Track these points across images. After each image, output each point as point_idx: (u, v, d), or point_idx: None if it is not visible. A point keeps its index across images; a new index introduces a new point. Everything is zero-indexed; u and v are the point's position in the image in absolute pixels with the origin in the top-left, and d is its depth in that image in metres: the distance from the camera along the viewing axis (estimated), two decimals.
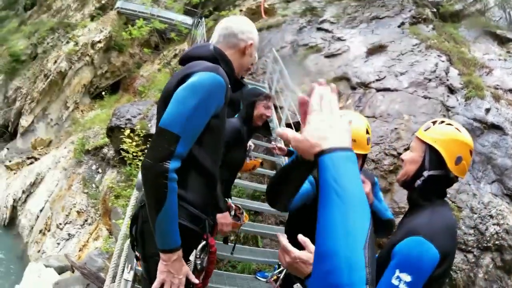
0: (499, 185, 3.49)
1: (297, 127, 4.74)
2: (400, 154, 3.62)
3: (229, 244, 2.77)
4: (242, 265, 3.72)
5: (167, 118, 1.10)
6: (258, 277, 3.14)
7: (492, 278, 3.77)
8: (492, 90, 4.05)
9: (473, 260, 3.22)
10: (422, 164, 1.17)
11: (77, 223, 5.78)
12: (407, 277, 0.96)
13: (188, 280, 1.23)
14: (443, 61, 4.14)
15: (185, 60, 1.30)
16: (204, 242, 1.27)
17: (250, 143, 3.48)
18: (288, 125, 4.60)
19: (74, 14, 11.99)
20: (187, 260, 1.22)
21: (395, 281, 0.97)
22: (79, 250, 4.98)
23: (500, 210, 3.74)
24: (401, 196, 3.28)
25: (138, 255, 1.32)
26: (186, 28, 9.29)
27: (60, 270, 4.47)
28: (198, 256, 1.26)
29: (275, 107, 5.02)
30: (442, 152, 1.12)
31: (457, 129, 1.13)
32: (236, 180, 3.39)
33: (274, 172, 4.17)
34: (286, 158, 3.27)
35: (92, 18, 11.18)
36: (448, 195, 3.47)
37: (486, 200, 3.30)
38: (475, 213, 3.19)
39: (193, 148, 1.16)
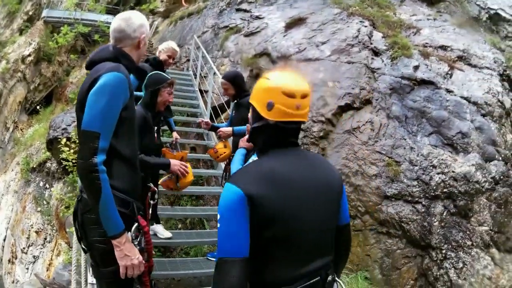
0: (437, 136, 3.64)
1: (222, 108, 4.86)
2: (328, 119, 3.71)
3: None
4: (195, 250, 4.09)
5: (86, 121, 1.30)
6: (209, 258, 3.46)
7: (449, 224, 3.98)
8: (420, 48, 4.38)
9: (422, 210, 3.35)
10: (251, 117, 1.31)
11: (38, 244, 6.26)
12: (218, 216, 1.07)
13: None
14: (365, 26, 4.54)
15: (90, 65, 1.47)
16: (136, 224, 1.41)
17: (176, 135, 3.73)
18: (213, 108, 4.63)
19: (4, 32, 12.74)
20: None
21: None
22: (47, 270, 5.54)
23: (442, 159, 4.17)
24: (335, 159, 3.48)
25: (84, 247, 1.48)
26: (109, 27, 9.20)
27: None
28: (134, 238, 1.39)
29: (201, 92, 5.10)
30: (254, 105, 1.21)
31: (266, 77, 1.20)
32: None
33: (206, 155, 3.96)
34: (214, 133, 3.36)
35: (21, 32, 12.23)
36: (383, 152, 3.67)
37: (425, 151, 3.45)
38: (415, 165, 3.35)
39: (112, 140, 1.33)
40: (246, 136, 2.08)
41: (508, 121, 5.47)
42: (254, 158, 1.49)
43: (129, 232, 1.37)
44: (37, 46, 10.91)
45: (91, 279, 2.16)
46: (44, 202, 6.39)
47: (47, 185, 6.63)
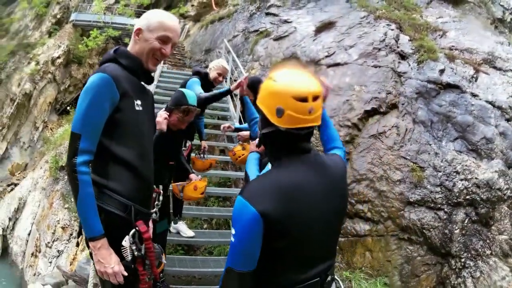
0: (462, 142, 3.59)
1: None
2: (354, 124, 3.68)
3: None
4: (218, 250, 4.13)
5: (72, 122, 1.30)
6: None
7: (470, 232, 3.96)
8: (446, 51, 4.29)
9: (445, 217, 3.33)
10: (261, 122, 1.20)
11: (64, 239, 6.35)
12: (233, 230, 1.06)
13: (134, 269, 1.32)
14: (392, 30, 4.44)
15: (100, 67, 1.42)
16: (134, 230, 1.33)
17: (205, 144, 3.83)
18: (242, 111, 4.61)
19: (33, 33, 13.06)
20: (120, 246, 1.31)
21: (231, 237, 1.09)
22: (70, 264, 5.50)
23: (466, 165, 4.13)
24: (360, 164, 3.41)
25: None
26: None
27: (57, 286, 4.81)
28: (131, 243, 1.32)
29: (231, 95, 5.11)
30: (263, 109, 1.11)
31: (273, 79, 1.08)
32: None
33: None
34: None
35: (50, 34, 12.55)
36: (408, 157, 3.60)
37: (450, 157, 3.41)
38: (439, 171, 3.32)
39: (106, 142, 1.31)
40: (257, 140, 1.97)
41: None
42: (269, 166, 1.39)
43: (127, 236, 1.30)
44: (66, 49, 11.09)
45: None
46: (72, 199, 6.31)
47: None
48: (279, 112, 1.04)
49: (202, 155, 3.54)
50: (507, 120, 4.78)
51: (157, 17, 1.39)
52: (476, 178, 4.12)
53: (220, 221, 4.49)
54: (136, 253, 1.30)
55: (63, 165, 6.88)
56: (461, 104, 4.54)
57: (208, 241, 3.79)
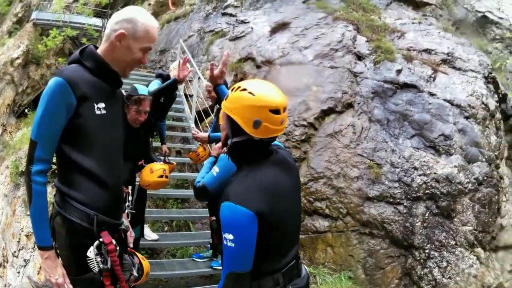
0: (420, 139, 4.10)
1: (206, 112, 5.33)
2: (310, 123, 4.17)
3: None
4: (181, 252, 4.48)
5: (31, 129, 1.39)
6: (195, 259, 3.88)
7: (431, 224, 4.36)
8: (404, 52, 4.86)
9: (405, 211, 3.76)
10: (229, 130, 1.36)
11: (29, 247, 6.49)
12: (229, 236, 1.23)
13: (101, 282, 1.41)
14: (350, 31, 5.05)
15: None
16: (97, 242, 1.40)
17: (165, 149, 4.16)
18: (197, 112, 5.12)
19: None
20: (85, 257, 1.38)
21: (224, 242, 1.26)
22: (38, 273, 5.70)
23: (424, 161, 4.55)
24: (317, 162, 3.90)
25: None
26: (97, 31, 11.46)
27: None
28: (96, 254, 1.39)
29: (186, 96, 5.64)
30: (237, 120, 1.28)
31: (251, 93, 1.26)
32: None
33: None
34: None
35: (10, 34, 13.07)
36: (364, 154, 4.35)
37: (407, 154, 3.89)
38: (397, 168, 3.78)
39: (66, 149, 1.37)
40: (219, 144, 2.22)
41: (492, 123, 5.93)
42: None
43: (91, 247, 1.34)
44: (26, 49, 11.52)
45: None
46: None
47: None
48: (256, 124, 1.23)
49: (164, 159, 3.93)
50: (466, 117, 5.32)
51: (144, 24, 1.40)
52: (435, 173, 4.58)
53: (180, 223, 4.85)
54: (101, 266, 1.35)
55: (23, 170, 7.28)
56: (418, 103, 5.07)
57: (172, 244, 4.17)
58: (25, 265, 6.26)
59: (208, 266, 3.81)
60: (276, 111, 1.24)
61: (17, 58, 11.43)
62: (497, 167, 5.57)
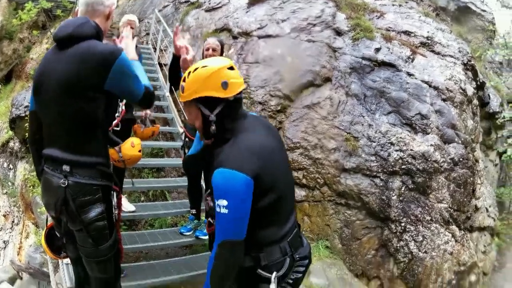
0: (396, 116, 5.49)
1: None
2: (285, 95, 5.47)
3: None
4: (159, 222, 5.57)
5: (141, 87, 2.27)
6: (184, 233, 4.74)
7: (407, 199, 5.71)
8: (383, 32, 6.43)
9: (381, 184, 5.08)
10: (203, 115, 1.84)
11: (7, 228, 7.57)
12: (223, 202, 1.64)
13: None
14: (329, 7, 6.73)
15: (70, 40, 2.09)
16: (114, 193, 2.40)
17: (148, 111, 5.01)
18: None
19: None
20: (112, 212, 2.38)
21: (217, 209, 1.68)
22: (18, 254, 6.64)
23: (401, 137, 5.88)
24: (293, 132, 5.27)
25: (72, 229, 2.31)
26: (71, 3, 13.64)
27: (12, 280, 6.08)
28: (115, 207, 2.42)
29: (160, 65, 7.12)
30: (207, 94, 1.79)
31: (204, 66, 1.81)
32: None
33: (167, 127, 6.97)
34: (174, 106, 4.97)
35: None
36: (342, 127, 6.39)
37: (384, 129, 5.24)
38: (373, 142, 5.11)
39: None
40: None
41: (469, 108, 7.56)
42: None
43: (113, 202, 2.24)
44: (0, 25, 13.25)
45: (66, 260, 3.30)
46: (9, 183, 7.84)
47: (11, 166, 8.11)
48: (225, 85, 1.71)
49: (144, 124, 4.69)
50: (444, 100, 6.85)
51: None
52: (411, 150, 5.96)
53: (156, 192, 5.87)
54: (116, 217, 2.38)
55: None
56: (396, 82, 6.48)
57: (152, 214, 5.02)
58: (5, 247, 7.29)
59: (191, 236, 4.61)
60: (231, 68, 1.79)
61: None
62: (473, 150, 7.15)
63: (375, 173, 5.50)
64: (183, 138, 4.64)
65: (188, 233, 4.68)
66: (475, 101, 7.50)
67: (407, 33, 7.54)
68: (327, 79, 5.98)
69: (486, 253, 6.90)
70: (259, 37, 6.68)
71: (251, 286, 1.93)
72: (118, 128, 3.90)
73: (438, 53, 7.51)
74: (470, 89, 7.38)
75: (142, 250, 4.73)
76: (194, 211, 4.74)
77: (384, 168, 5.57)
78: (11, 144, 8.46)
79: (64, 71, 2.05)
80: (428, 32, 7.77)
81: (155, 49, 9.06)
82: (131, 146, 3.60)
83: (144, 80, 2.21)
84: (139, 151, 3.48)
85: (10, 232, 7.38)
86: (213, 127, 1.81)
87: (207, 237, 3.96)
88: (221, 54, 4.17)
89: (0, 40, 13.97)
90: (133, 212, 4.69)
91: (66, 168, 2.15)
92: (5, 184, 7.90)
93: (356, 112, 5.78)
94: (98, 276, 2.46)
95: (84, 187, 2.17)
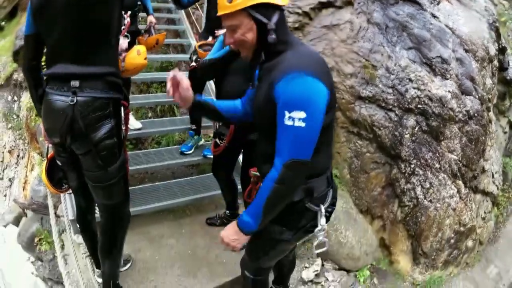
0: (417, 53, 5.23)
1: None
2: (305, 12, 5.18)
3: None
4: (166, 139, 5.41)
5: None
6: (185, 152, 4.64)
7: (419, 140, 5.52)
8: None
9: (395, 119, 4.87)
10: (260, 25, 1.71)
11: (12, 164, 7.59)
12: (299, 114, 1.52)
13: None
14: None
15: None
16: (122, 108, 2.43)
17: (152, 19, 4.91)
18: None
19: None
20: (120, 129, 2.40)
21: (289, 122, 1.54)
22: (23, 189, 6.51)
23: (420, 76, 5.68)
24: None
25: (79, 152, 2.30)
26: None
27: (17, 220, 5.93)
28: (123, 123, 2.46)
29: None
30: (265, 1, 1.67)
31: None
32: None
33: (178, 39, 7.01)
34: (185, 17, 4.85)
35: None
36: (360, 53, 5.82)
37: (403, 63, 5.00)
38: (392, 74, 4.87)
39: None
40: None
41: (489, 67, 7.44)
42: None
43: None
44: None
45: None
46: (14, 116, 7.79)
47: (15, 98, 8.00)
48: None
49: (149, 34, 4.59)
50: (466, 50, 6.69)
51: None
52: (429, 91, 5.76)
53: (164, 108, 5.70)
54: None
55: (2, 83, 8.15)
56: (419, 19, 6.24)
57: (160, 131, 4.91)
58: (11, 185, 7.22)
59: (198, 155, 4.55)
60: None
61: None
62: (488, 109, 7.04)
63: (390, 107, 5.28)
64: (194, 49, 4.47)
65: (189, 152, 4.57)
66: (495, 62, 7.35)
67: None
68: (349, 3, 5.66)
69: (486, 220, 6.84)
70: None
71: (292, 221, 1.88)
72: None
73: (464, 5, 7.32)
74: (493, 49, 7.21)
75: (147, 170, 4.60)
76: (194, 126, 4.63)
77: (400, 103, 5.35)
78: (15, 76, 8.27)
79: None
80: None
81: None
82: (136, 54, 3.43)
83: None
84: (145, 58, 3.41)
85: (16, 168, 7.34)
86: (273, 36, 1.67)
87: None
88: None
89: None
90: (139, 129, 4.58)
91: (74, 83, 2.14)
92: (10, 118, 7.78)
93: (376, 41, 5.51)
94: (105, 202, 2.47)
95: (94, 102, 2.16)
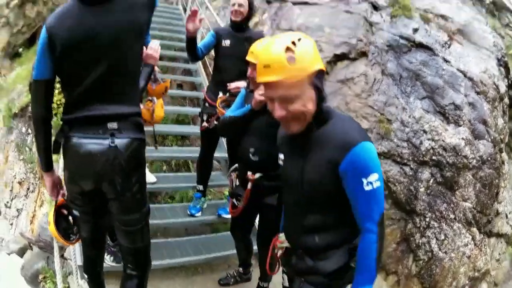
0: (430, 102, 5.27)
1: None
2: None
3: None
4: (180, 194, 5.30)
5: None
6: (194, 214, 4.45)
7: (434, 193, 5.53)
8: (421, 13, 6.00)
9: (410, 173, 4.87)
10: (320, 92, 1.65)
11: (21, 195, 7.53)
12: (374, 175, 1.61)
13: None
14: None
15: None
16: None
17: (156, 68, 4.62)
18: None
19: None
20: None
21: (368, 187, 1.61)
22: (31, 223, 6.53)
23: (433, 126, 5.72)
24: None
25: (112, 197, 2.22)
26: None
27: (22, 252, 5.93)
28: None
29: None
30: (321, 67, 1.63)
31: (305, 36, 1.63)
32: None
33: (194, 92, 6.78)
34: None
35: None
36: (375, 107, 5.84)
37: (417, 115, 5.01)
38: (407, 127, 4.87)
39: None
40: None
41: (500, 105, 7.45)
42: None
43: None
44: None
45: None
46: (27, 149, 7.68)
47: (29, 131, 7.90)
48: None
49: (153, 81, 4.51)
50: (478, 93, 6.70)
51: None
52: (443, 141, 5.79)
53: (179, 162, 5.66)
54: None
55: (16, 112, 8.10)
56: (432, 66, 6.27)
57: (175, 187, 4.86)
58: (18, 215, 7.15)
59: (213, 213, 4.44)
60: None
61: None
62: (501, 151, 7.05)
63: (405, 161, 5.30)
64: (202, 103, 4.35)
65: (198, 214, 4.43)
66: (506, 100, 7.37)
67: (444, 17, 7.31)
68: (363, 54, 5.70)
69: (500, 261, 6.85)
70: (294, 3, 6.41)
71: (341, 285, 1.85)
72: None
73: (474, 43, 7.32)
74: (503, 86, 7.23)
75: (160, 226, 4.53)
76: (201, 187, 4.45)
77: (415, 156, 5.38)
78: (30, 108, 8.02)
79: (120, 20, 2.03)
80: (465, 20, 7.58)
81: (185, 10, 9.11)
82: (161, 107, 3.45)
83: None
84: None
85: (25, 200, 7.28)
86: (327, 104, 1.68)
87: (229, 216, 3.73)
88: (249, 12, 3.93)
89: (23, 4, 13.84)
90: (154, 183, 4.49)
91: (112, 125, 2.07)
92: (22, 150, 7.75)
93: (391, 93, 5.53)
94: (135, 246, 2.41)
95: (131, 144, 2.11)
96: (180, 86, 7.05)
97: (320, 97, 1.63)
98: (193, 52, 3.91)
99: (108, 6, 2.02)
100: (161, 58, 7.12)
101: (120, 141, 2.06)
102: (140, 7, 2.10)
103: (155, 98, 3.59)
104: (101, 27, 2.00)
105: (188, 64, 7.00)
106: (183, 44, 7.43)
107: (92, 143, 2.05)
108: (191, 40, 3.75)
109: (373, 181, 1.57)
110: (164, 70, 6.91)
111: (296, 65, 1.50)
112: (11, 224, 7.48)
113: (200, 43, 4.06)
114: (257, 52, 2.73)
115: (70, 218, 2.47)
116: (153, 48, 2.63)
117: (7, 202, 7.60)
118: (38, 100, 2.18)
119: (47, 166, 2.28)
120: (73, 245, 3.29)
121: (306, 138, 1.73)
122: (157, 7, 4.81)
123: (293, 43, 1.52)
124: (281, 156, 1.93)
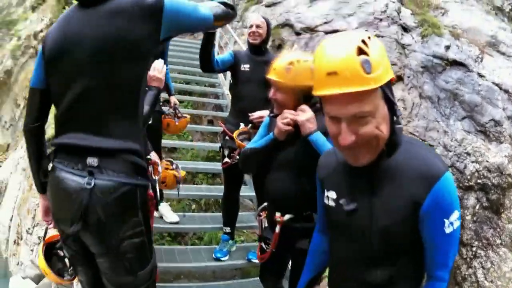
0: (470, 122, 5.08)
1: None
2: None
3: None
4: (209, 235, 5.03)
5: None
6: (221, 258, 4.00)
7: (481, 219, 5.28)
8: (450, 29, 5.82)
9: None
10: (390, 108, 1.25)
11: (43, 223, 6.72)
12: (456, 214, 1.28)
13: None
14: (393, 2, 6.94)
15: None
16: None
17: (175, 100, 4.52)
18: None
19: (16, 10, 17.48)
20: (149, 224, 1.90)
21: (449, 229, 1.27)
22: None
23: (476, 147, 5.53)
24: None
25: (95, 252, 1.75)
26: None
27: (38, 278, 5.91)
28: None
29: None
30: (393, 75, 1.25)
31: (369, 37, 1.20)
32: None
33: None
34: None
35: (33, 9, 16.57)
36: (416, 133, 5.69)
37: (459, 137, 4.83)
38: (450, 151, 4.70)
39: None
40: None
41: None
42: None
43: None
44: (49, 22, 13.95)
45: None
46: None
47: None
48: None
49: (175, 115, 4.16)
50: None
51: None
52: (487, 162, 5.57)
53: (210, 201, 5.39)
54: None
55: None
56: (468, 83, 6.08)
57: (200, 228, 4.53)
58: (39, 243, 6.92)
59: (242, 257, 3.95)
60: None
61: (41, 31, 13.68)
62: None
63: None
64: (222, 137, 3.85)
65: (224, 258, 3.96)
66: None
67: (472, 31, 7.15)
68: (399, 78, 5.53)
69: None
70: (326, 32, 6.36)
71: None
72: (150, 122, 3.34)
73: (503, 53, 7.13)
74: None
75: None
76: (228, 229, 4.00)
77: (460, 182, 5.17)
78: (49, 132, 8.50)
79: (104, 30, 1.58)
80: (491, 30, 7.38)
81: (214, 45, 9.04)
82: (173, 179, 3.26)
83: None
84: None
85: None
86: (402, 125, 1.27)
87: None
88: (267, 32, 3.61)
89: None
90: (175, 223, 4.07)
91: (92, 161, 1.61)
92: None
93: (430, 117, 5.35)
94: None
95: (117, 189, 1.62)
96: (210, 122, 6.94)
97: (394, 114, 1.24)
98: (207, 57, 3.40)
99: (97, 9, 1.64)
100: (191, 93, 7.00)
101: (101, 183, 1.61)
102: (135, 16, 1.61)
103: (177, 163, 3.38)
104: (85, 33, 1.63)
105: (219, 99, 6.92)
106: (213, 80, 7.44)
107: (69, 178, 1.65)
108: (209, 36, 3.10)
109: (454, 221, 1.24)
110: (195, 106, 6.83)
111: (372, 72, 1.11)
112: (32, 251, 7.51)
113: (217, 57, 3.61)
114: (296, 61, 2.13)
115: (66, 260, 2.11)
116: (157, 68, 2.27)
117: (29, 228, 7.67)
118: (30, 108, 1.86)
119: (40, 187, 1.90)
120: (70, 283, 2.95)
121: (375, 171, 1.33)
122: (184, 44, 4.49)
123: (364, 42, 1.13)
124: (331, 194, 1.50)
